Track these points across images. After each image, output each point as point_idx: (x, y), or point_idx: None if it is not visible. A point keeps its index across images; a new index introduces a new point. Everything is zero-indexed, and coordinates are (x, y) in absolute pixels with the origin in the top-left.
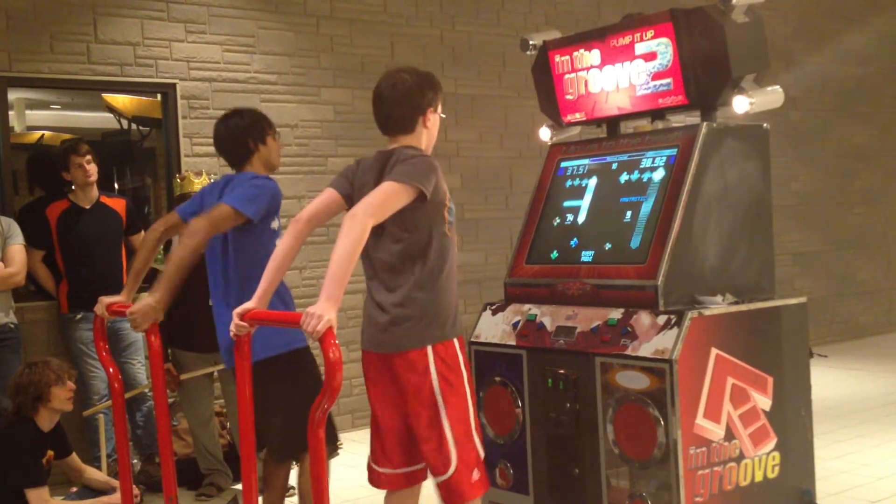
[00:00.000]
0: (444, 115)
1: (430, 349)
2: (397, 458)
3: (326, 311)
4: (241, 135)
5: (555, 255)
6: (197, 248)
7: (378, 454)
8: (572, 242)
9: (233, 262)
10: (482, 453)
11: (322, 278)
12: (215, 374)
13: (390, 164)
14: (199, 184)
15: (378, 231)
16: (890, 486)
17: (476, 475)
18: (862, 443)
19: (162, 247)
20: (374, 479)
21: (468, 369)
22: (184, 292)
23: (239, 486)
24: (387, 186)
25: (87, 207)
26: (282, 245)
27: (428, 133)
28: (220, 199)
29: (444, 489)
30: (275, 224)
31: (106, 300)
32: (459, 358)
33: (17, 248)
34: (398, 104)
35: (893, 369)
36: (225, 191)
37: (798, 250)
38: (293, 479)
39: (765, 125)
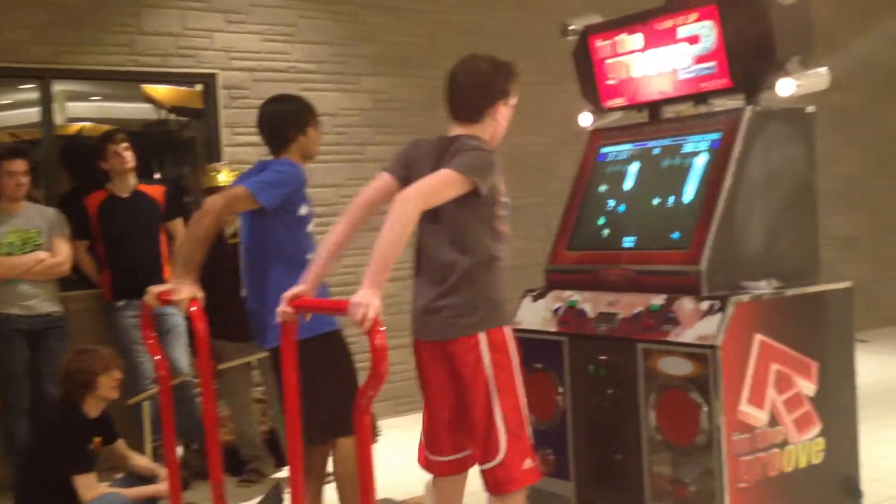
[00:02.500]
0: (514, 106)
1: (482, 336)
2: (447, 448)
3: (372, 298)
4: (281, 122)
5: (596, 241)
6: (211, 224)
7: (429, 440)
8: (613, 228)
9: (258, 247)
10: (532, 443)
11: (362, 266)
12: (254, 362)
13: (451, 151)
14: (221, 178)
15: (429, 219)
16: None
17: (528, 464)
18: None
19: None
20: (425, 463)
21: (520, 355)
22: (216, 281)
23: (280, 474)
24: (444, 174)
25: (126, 196)
26: (334, 230)
27: (496, 125)
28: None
29: (492, 476)
30: (303, 210)
31: (155, 289)
32: (510, 345)
33: (63, 239)
34: (469, 91)
35: None
36: (252, 174)
37: (841, 234)
38: (329, 464)
39: (809, 108)
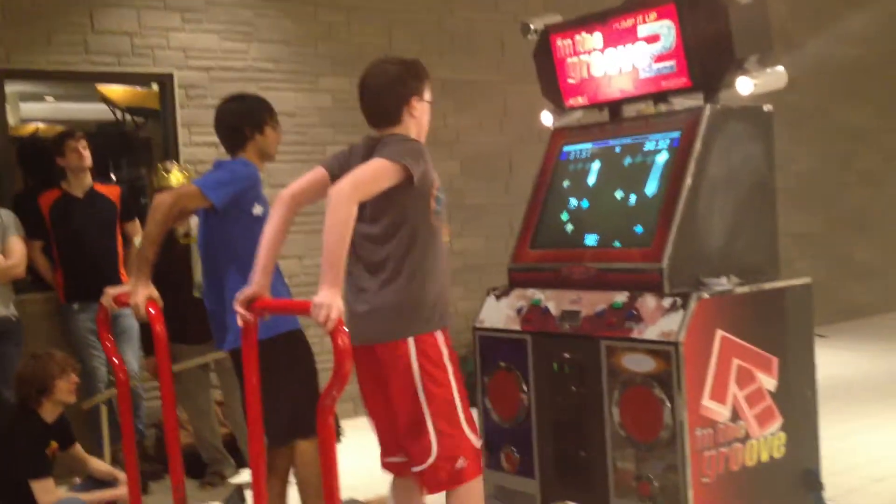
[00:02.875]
0: (432, 101)
1: (410, 341)
2: (392, 448)
3: (333, 298)
4: (238, 121)
5: (559, 239)
6: (162, 221)
7: (380, 442)
8: (576, 227)
9: (213, 247)
10: (476, 443)
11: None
12: (210, 364)
13: (378, 147)
14: (173, 178)
15: (361, 214)
16: (893, 465)
17: (461, 463)
18: (864, 422)
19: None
20: (383, 464)
21: (454, 360)
22: (168, 282)
23: (241, 477)
24: (375, 162)
25: (81, 196)
26: (269, 224)
27: (416, 122)
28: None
29: (423, 477)
30: (257, 210)
31: (112, 291)
32: (442, 350)
33: (17, 239)
34: (381, 95)
35: (893, 349)
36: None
37: (798, 231)
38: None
39: (766, 107)
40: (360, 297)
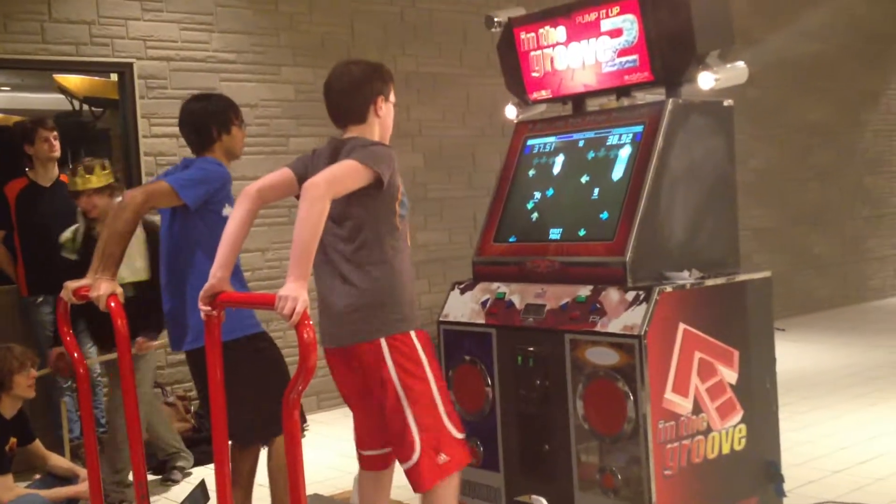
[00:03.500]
0: (396, 104)
1: (383, 341)
2: (368, 441)
3: (299, 291)
4: (205, 121)
5: (523, 233)
6: (131, 219)
7: (356, 435)
8: (540, 220)
9: (178, 247)
10: (457, 434)
11: (285, 260)
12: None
13: (346, 149)
14: (94, 180)
15: (329, 217)
16: (851, 456)
17: (443, 458)
18: (822, 414)
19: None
20: (359, 460)
21: (431, 355)
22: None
23: (203, 469)
24: (346, 163)
25: (47, 186)
26: (232, 219)
27: (381, 123)
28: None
29: (410, 476)
30: (226, 211)
31: (72, 285)
32: (418, 347)
33: None
34: (347, 95)
35: (850, 342)
36: (176, 172)
37: (756, 226)
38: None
39: (727, 102)
40: (330, 299)
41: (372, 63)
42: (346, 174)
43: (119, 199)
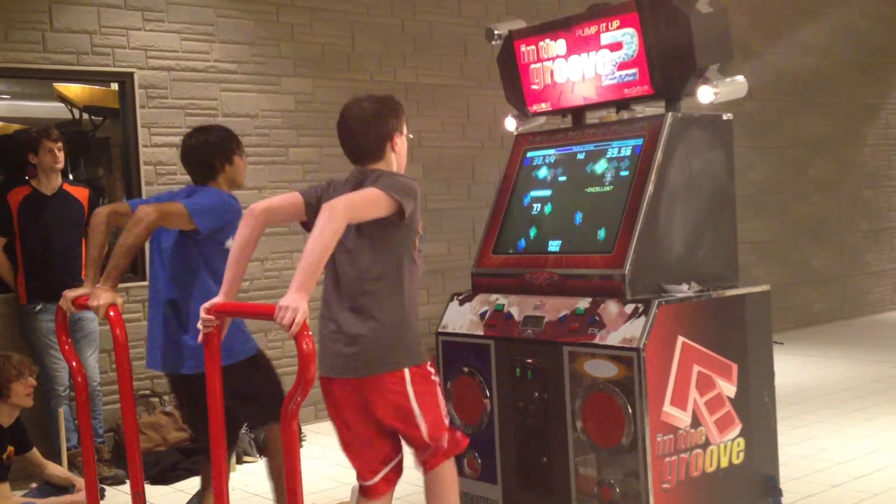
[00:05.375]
0: (411, 136)
1: (406, 372)
2: (376, 467)
3: (300, 303)
4: (207, 154)
5: (522, 244)
6: (142, 234)
7: (362, 471)
8: (539, 232)
9: (179, 270)
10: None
11: (284, 270)
12: None
13: (370, 178)
14: None
15: (347, 247)
16: (849, 471)
17: (444, 441)
18: (820, 428)
19: None
20: (368, 493)
21: (438, 380)
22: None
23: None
24: (371, 191)
25: (50, 195)
26: (239, 237)
27: (397, 157)
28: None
29: (421, 459)
30: (229, 243)
31: (71, 294)
32: (432, 373)
33: None
34: (363, 135)
35: (848, 356)
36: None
37: (754, 239)
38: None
39: (726, 116)
40: (345, 331)
41: (382, 98)
42: (367, 201)
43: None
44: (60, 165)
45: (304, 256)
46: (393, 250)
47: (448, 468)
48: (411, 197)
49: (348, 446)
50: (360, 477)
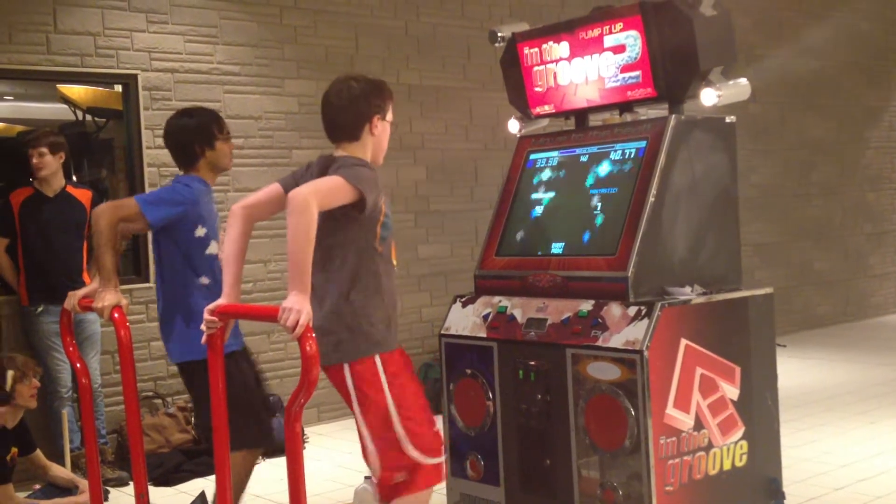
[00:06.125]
0: (393, 122)
1: (346, 367)
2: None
3: (303, 304)
4: (187, 138)
5: (525, 247)
6: (103, 231)
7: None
8: (542, 234)
9: (162, 264)
10: (420, 459)
11: (287, 271)
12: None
13: (333, 167)
14: None
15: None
16: (852, 474)
17: (399, 477)
18: (823, 431)
19: None
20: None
21: (401, 374)
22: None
23: (203, 481)
24: (333, 178)
25: (51, 196)
26: (228, 238)
27: (375, 140)
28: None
29: (379, 488)
30: (200, 232)
31: (76, 294)
32: (379, 371)
33: None
34: (343, 110)
35: (851, 359)
36: None
37: (757, 241)
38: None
39: (729, 118)
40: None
41: (373, 80)
42: (331, 188)
43: None
44: (43, 172)
45: (289, 258)
46: (351, 240)
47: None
48: (370, 186)
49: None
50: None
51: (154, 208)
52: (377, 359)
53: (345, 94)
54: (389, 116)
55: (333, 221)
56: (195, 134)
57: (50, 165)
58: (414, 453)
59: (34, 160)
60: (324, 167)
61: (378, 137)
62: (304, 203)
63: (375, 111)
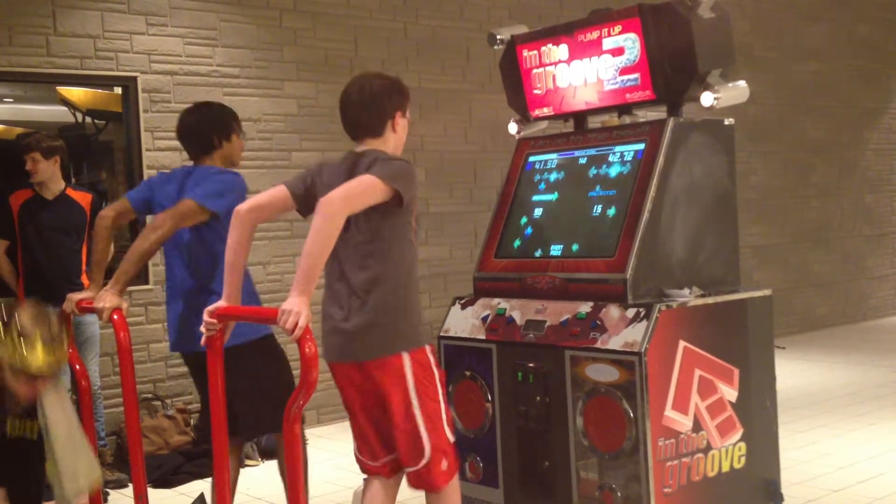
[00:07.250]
0: (411, 120)
1: (405, 355)
2: (380, 451)
3: (302, 306)
4: (207, 129)
5: (524, 249)
6: (159, 241)
7: (362, 448)
8: (541, 236)
9: (196, 255)
10: (452, 439)
11: (287, 273)
12: None
13: (364, 163)
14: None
15: (345, 231)
16: (851, 476)
17: (444, 464)
18: (822, 433)
19: None
20: (363, 467)
21: (440, 369)
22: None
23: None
24: (367, 178)
25: (51, 199)
26: (230, 241)
27: (396, 137)
28: (184, 194)
29: (416, 478)
30: None
31: (75, 297)
32: (431, 360)
33: None
34: (366, 108)
35: (850, 360)
36: (187, 184)
37: (756, 243)
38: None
39: (728, 120)
40: (344, 314)
41: (391, 78)
42: (364, 190)
43: None
44: (37, 178)
45: (302, 258)
46: (390, 232)
47: (455, 493)
48: (407, 180)
49: (352, 423)
50: (357, 450)
51: (216, 200)
52: (428, 349)
53: (367, 91)
54: (408, 114)
55: (375, 216)
56: (215, 124)
57: (44, 171)
58: (450, 436)
59: (28, 166)
60: (353, 164)
61: (399, 134)
62: (333, 209)
63: (398, 107)
